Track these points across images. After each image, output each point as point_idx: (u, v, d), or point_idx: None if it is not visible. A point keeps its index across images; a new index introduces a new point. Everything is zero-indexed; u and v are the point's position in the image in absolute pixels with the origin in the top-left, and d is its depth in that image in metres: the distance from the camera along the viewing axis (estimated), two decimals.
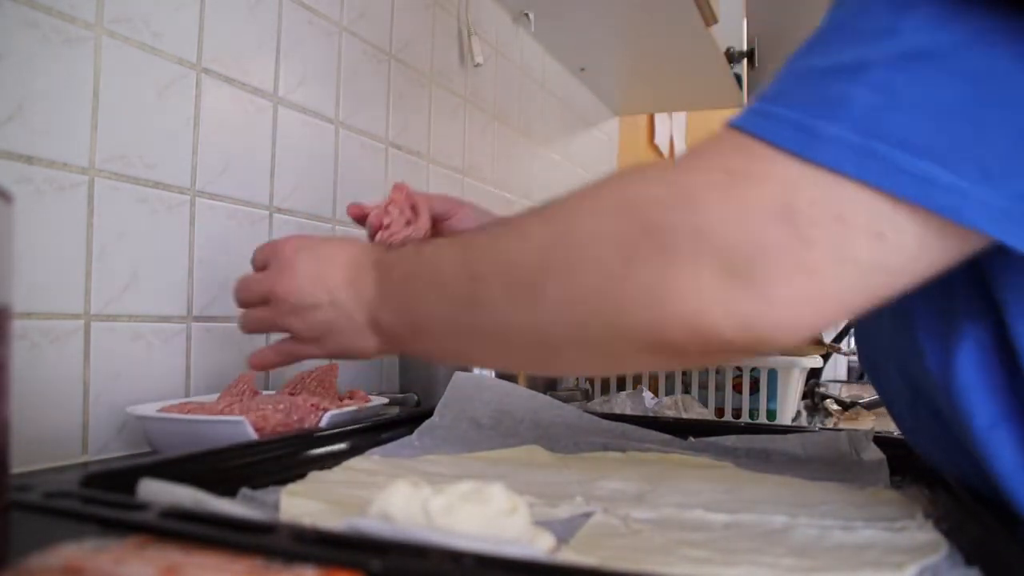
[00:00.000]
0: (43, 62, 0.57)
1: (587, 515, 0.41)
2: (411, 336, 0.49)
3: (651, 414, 0.84)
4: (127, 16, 0.64)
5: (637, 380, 0.98)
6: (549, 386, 0.88)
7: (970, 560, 0.33)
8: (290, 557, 0.25)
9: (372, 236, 0.67)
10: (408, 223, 0.68)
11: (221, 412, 0.58)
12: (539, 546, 0.28)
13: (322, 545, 0.25)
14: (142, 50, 0.65)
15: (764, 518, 0.40)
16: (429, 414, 0.66)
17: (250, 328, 0.58)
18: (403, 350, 0.57)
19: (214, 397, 0.65)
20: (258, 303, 0.56)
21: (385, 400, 0.71)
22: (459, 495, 0.29)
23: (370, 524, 0.27)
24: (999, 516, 0.36)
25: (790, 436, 0.61)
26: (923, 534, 0.37)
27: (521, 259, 0.40)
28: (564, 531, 0.37)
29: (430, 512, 0.28)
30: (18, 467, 0.52)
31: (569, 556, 0.32)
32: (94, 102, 0.61)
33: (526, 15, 1.34)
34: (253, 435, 0.54)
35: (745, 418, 0.93)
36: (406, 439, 0.62)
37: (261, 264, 0.57)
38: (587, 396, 0.97)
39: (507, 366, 0.55)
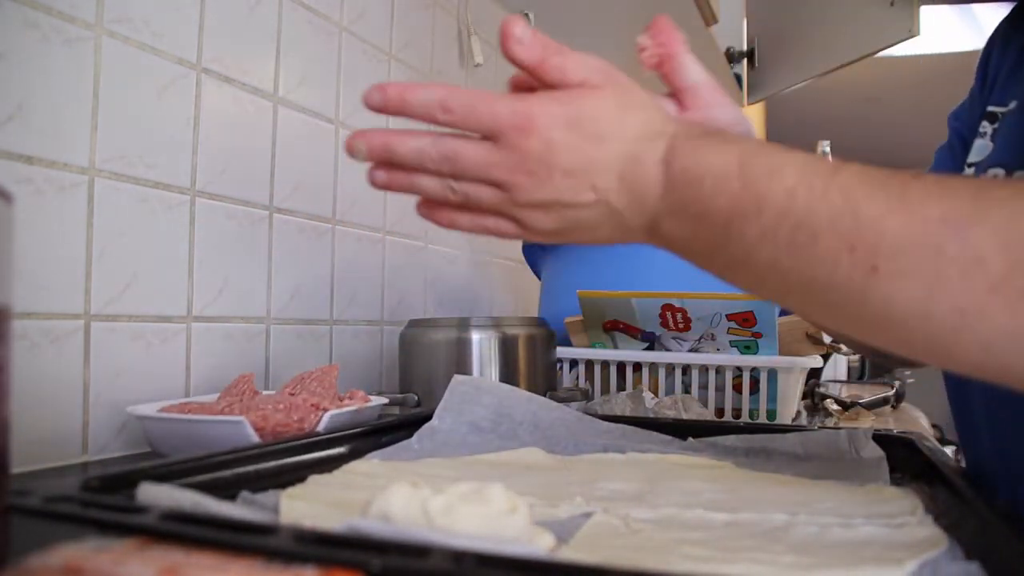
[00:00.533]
0: (43, 62, 0.57)
1: (587, 515, 0.41)
2: (708, 261, 0.39)
3: (651, 414, 0.84)
4: (127, 16, 0.64)
5: (637, 380, 0.98)
6: (549, 387, 0.88)
7: (970, 555, 0.33)
8: (292, 558, 0.25)
9: None
10: None
11: (221, 412, 0.58)
12: (539, 545, 0.28)
13: (323, 545, 0.25)
14: (142, 50, 0.65)
15: (764, 516, 0.40)
16: (428, 416, 0.66)
17: (463, 208, 0.42)
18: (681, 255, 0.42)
19: (214, 397, 0.65)
20: (477, 182, 0.40)
21: (385, 400, 0.71)
22: (459, 495, 0.29)
23: (370, 525, 0.27)
24: (999, 512, 0.36)
25: (789, 435, 0.61)
26: (923, 530, 0.37)
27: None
28: (564, 531, 0.37)
29: (430, 512, 0.28)
30: (18, 467, 0.52)
31: (569, 555, 0.32)
32: (94, 102, 0.61)
33: (526, 15, 1.34)
34: (253, 435, 0.54)
35: (745, 418, 0.93)
36: (405, 442, 0.62)
37: (487, 131, 0.39)
38: (587, 396, 0.97)
39: (839, 328, 0.41)
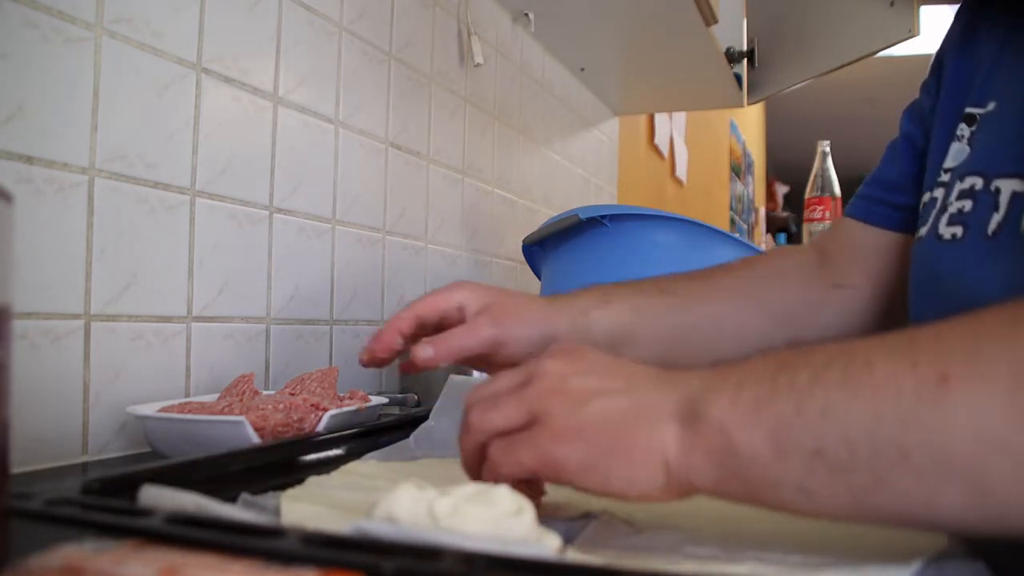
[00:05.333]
0: (43, 62, 0.57)
1: (588, 516, 0.41)
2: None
3: None
4: (127, 16, 0.64)
5: None
6: None
7: (974, 554, 0.33)
8: (301, 561, 0.24)
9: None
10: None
11: (221, 412, 0.58)
12: (547, 546, 0.28)
13: (332, 548, 0.25)
14: (142, 50, 0.65)
15: (767, 515, 0.40)
16: (425, 416, 0.66)
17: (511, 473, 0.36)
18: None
19: (214, 397, 0.65)
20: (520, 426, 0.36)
21: (385, 400, 0.71)
22: (464, 496, 0.29)
23: (378, 527, 0.27)
24: None
25: None
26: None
27: None
28: (567, 532, 0.37)
29: (436, 514, 0.27)
30: (18, 467, 0.52)
31: (577, 556, 0.32)
32: (94, 102, 0.61)
33: (526, 15, 1.34)
34: (253, 435, 0.54)
35: None
36: (402, 443, 0.62)
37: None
38: None
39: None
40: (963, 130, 0.54)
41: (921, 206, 0.57)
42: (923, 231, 0.54)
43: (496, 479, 0.36)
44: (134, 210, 0.65)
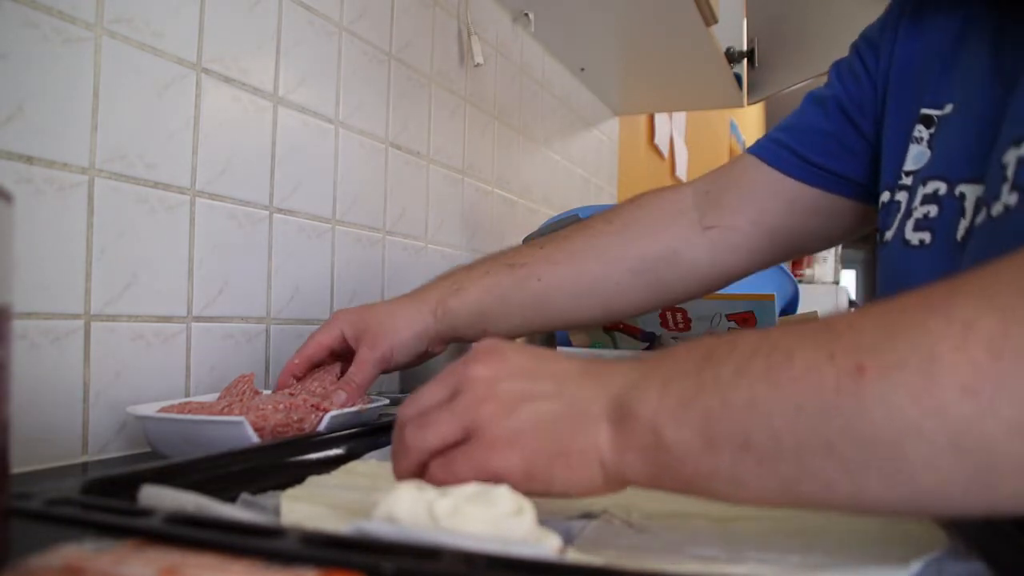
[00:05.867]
0: (43, 62, 0.57)
1: (588, 516, 0.41)
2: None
3: None
4: (127, 16, 0.64)
5: None
6: None
7: (973, 554, 0.33)
8: (301, 561, 0.24)
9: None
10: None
11: (221, 412, 0.58)
12: (547, 546, 0.28)
13: (332, 548, 0.25)
14: (142, 50, 0.65)
15: (766, 515, 0.40)
16: None
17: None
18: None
19: (214, 397, 0.65)
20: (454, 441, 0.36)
21: (386, 400, 0.71)
22: (464, 497, 0.29)
23: (378, 527, 0.27)
24: None
25: None
26: (925, 529, 0.37)
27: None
28: (567, 532, 0.37)
29: (436, 514, 0.27)
30: (18, 467, 0.52)
31: (577, 556, 0.32)
32: (94, 102, 0.61)
33: (526, 15, 1.34)
34: (253, 435, 0.54)
35: None
36: None
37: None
38: None
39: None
40: (921, 132, 0.54)
41: (880, 206, 0.57)
42: (888, 235, 0.55)
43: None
44: (134, 210, 0.65)
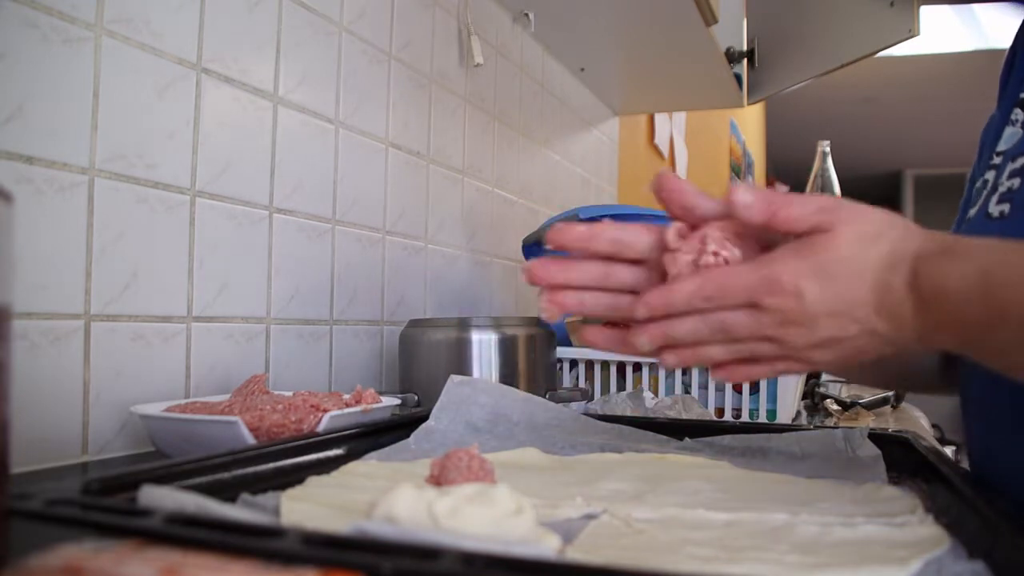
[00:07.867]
0: (43, 62, 0.57)
1: (588, 516, 0.41)
2: (980, 357, 0.42)
3: (651, 415, 0.84)
4: (127, 16, 0.64)
5: (637, 380, 0.98)
6: (549, 387, 0.88)
7: (973, 554, 0.33)
8: (302, 561, 0.24)
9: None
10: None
11: (222, 412, 0.58)
12: (547, 546, 0.28)
13: (332, 548, 0.25)
14: (142, 50, 0.65)
15: (765, 516, 0.40)
16: (425, 417, 0.66)
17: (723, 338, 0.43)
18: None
19: (225, 397, 0.65)
20: (755, 340, 0.43)
21: (397, 401, 0.71)
22: (464, 497, 0.29)
23: (378, 527, 0.27)
24: (1001, 511, 0.36)
25: (786, 435, 0.61)
26: (924, 528, 0.37)
27: None
28: (567, 532, 0.37)
29: (436, 514, 0.27)
30: (18, 467, 0.52)
31: (577, 556, 0.32)
32: (94, 102, 0.61)
33: (526, 15, 1.34)
34: (248, 435, 0.54)
35: (745, 418, 0.93)
36: (403, 443, 0.62)
37: (746, 303, 0.41)
38: (587, 396, 0.97)
39: None
40: (1017, 115, 0.55)
41: (975, 192, 0.57)
42: (972, 212, 0.55)
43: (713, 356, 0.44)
44: (134, 210, 0.65)
